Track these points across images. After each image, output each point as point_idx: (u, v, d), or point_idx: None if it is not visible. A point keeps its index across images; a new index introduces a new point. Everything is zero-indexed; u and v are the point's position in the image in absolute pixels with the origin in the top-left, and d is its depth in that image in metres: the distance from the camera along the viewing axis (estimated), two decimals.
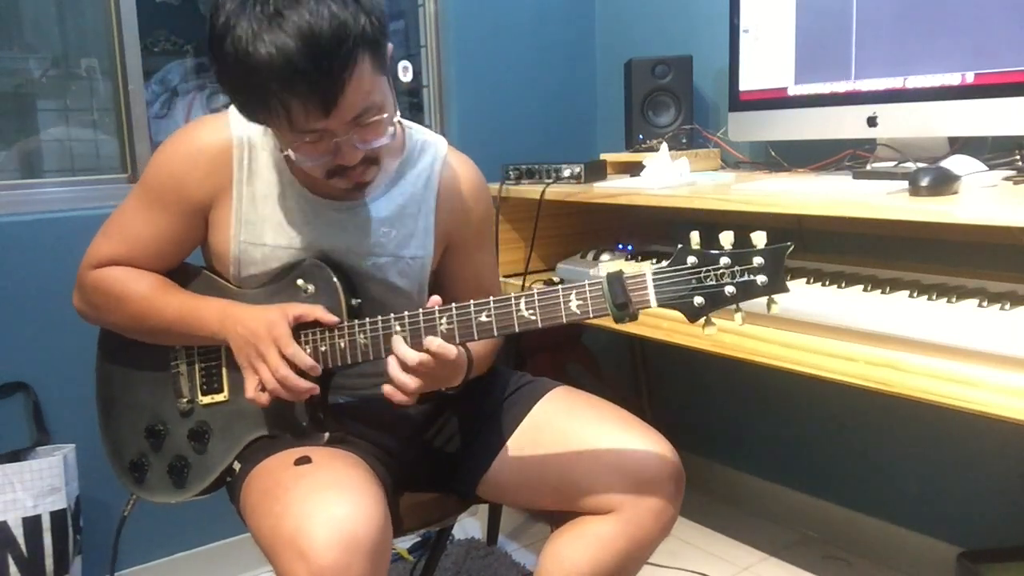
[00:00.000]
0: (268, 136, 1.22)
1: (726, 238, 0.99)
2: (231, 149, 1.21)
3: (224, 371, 1.25)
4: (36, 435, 1.82)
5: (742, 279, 0.98)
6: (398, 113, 1.15)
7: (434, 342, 1.09)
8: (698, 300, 0.99)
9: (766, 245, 0.98)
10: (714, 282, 0.98)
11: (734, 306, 1.00)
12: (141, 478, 1.29)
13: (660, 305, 1.00)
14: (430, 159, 1.31)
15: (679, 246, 1.00)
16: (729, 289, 0.98)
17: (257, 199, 1.23)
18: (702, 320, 1.00)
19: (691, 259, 0.99)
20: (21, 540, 1.69)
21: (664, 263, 1.02)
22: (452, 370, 1.15)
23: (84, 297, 1.29)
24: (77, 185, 1.95)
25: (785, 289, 0.98)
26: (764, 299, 1.00)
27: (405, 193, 1.28)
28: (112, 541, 1.56)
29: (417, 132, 1.32)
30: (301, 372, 1.14)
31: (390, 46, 1.11)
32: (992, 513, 1.85)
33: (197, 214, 1.24)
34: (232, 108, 1.20)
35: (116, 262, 1.26)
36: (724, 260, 0.98)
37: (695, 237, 1.00)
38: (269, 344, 1.13)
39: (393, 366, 1.11)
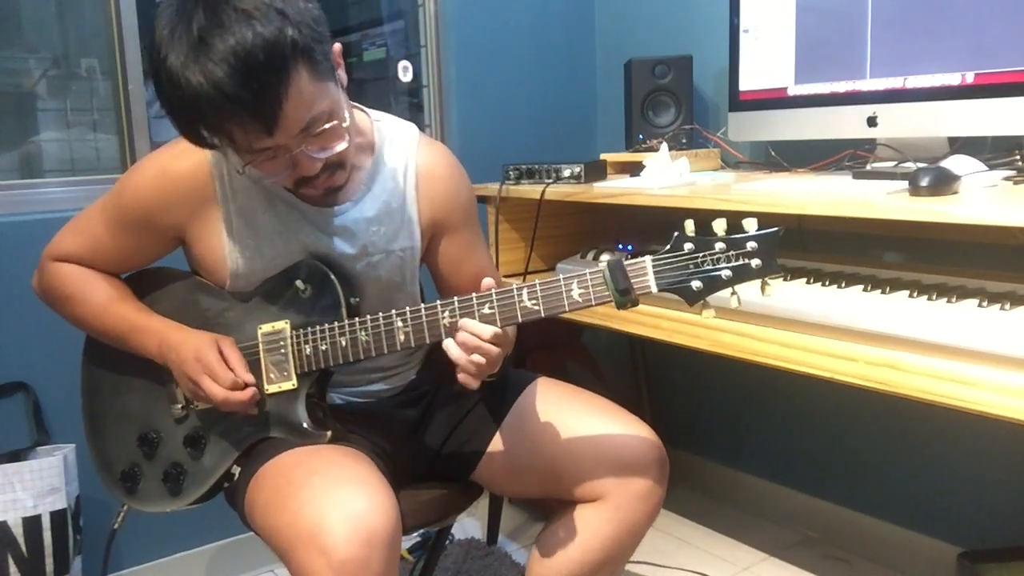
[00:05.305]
0: None
1: (719, 225, 1.03)
2: (209, 168, 1.20)
3: None
4: (36, 435, 1.82)
5: (737, 263, 1.02)
6: (345, 113, 1.12)
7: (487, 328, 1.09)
8: (696, 284, 1.03)
9: (757, 230, 1.02)
10: (711, 266, 1.03)
11: (730, 290, 1.04)
12: (133, 488, 1.28)
13: (660, 290, 1.04)
14: (403, 150, 1.29)
15: (675, 234, 1.04)
16: (725, 272, 1.02)
17: (246, 213, 1.22)
18: (700, 304, 1.04)
19: (688, 245, 1.03)
20: (21, 540, 1.68)
21: (665, 247, 1.05)
22: (508, 348, 1.14)
23: (41, 284, 1.31)
24: (77, 185, 1.95)
25: (779, 270, 1.02)
26: (758, 283, 1.03)
27: (387, 188, 1.27)
28: (108, 545, 1.56)
29: (385, 124, 1.30)
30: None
31: (337, 46, 1.09)
32: (992, 513, 1.85)
33: (168, 237, 1.25)
34: None
35: (77, 261, 1.27)
36: (719, 245, 1.02)
37: (690, 225, 1.04)
38: (202, 375, 1.16)
39: (457, 351, 1.09)
